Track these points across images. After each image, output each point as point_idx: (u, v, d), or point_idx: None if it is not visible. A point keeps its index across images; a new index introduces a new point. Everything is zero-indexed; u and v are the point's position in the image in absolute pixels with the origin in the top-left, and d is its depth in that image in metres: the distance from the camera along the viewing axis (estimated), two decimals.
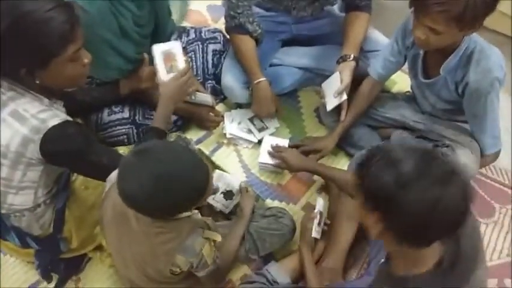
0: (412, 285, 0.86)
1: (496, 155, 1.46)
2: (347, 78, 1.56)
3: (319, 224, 1.39)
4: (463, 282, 0.89)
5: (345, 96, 1.57)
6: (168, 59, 1.43)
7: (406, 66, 1.54)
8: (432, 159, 0.79)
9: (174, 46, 1.44)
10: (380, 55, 1.54)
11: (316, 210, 1.40)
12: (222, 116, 1.78)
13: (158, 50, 1.43)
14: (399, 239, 0.83)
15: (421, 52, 1.40)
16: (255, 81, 1.64)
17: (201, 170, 1.00)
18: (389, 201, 0.78)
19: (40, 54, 1.06)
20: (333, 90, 1.58)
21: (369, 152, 0.85)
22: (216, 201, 1.49)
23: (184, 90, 1.44)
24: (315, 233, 1.37)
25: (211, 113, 1.74)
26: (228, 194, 1.50)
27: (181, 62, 1.42)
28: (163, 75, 1.40)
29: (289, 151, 1.59)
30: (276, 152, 1.60)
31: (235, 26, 1.66)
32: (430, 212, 0.76)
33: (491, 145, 1.42)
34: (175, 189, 0.95)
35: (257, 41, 1.71)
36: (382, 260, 0.98)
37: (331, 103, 1.60)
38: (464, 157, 1.39)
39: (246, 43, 1.67)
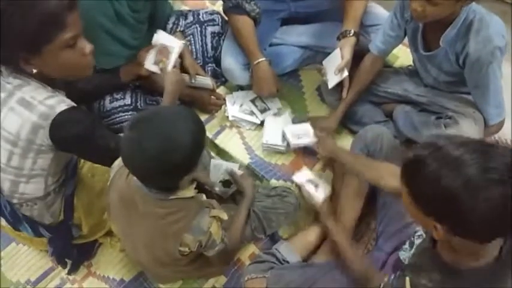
0: (468, 277, 0.82)
1: (501, 124, 1.45)
2: (347, 54, 1.55)
3: (316, 188, 1.41)
4: None
5: (345, 73, 1.55)
6: (162, 54, 1.45)
7: (407, 40, 1.52)
8: (489, 153, 0.73)
9: (175, 46, 1.46)
10: (380, 30, 1.52)
11: (311, 192, 1.40)
12: (224, 99, 1.77)
13: (159, 39, 1.45)
14: (460, 236, 0.78)
15: (421, 25, 1.38)
16: (255, 62, 1.63)
17: (197, 124, 1.01)
18: (455, 208, 0.73)
19: (30, 40, 1.04)
20: (334, 67, 1.57)
21: (414, 153, 0.79)
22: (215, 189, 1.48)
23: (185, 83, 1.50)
24: (320, 198, 1.38)
25: (212, 97, 1.74)
26: (226, 183, 1.49)
27: (171, 63, 1.44)
28: (148, 63, 1.45)
29: (326, 136, 1.55)
30: (319, 130, 1.56)
31: (232, 7, 1.65)
32: (500, 211, 0.72)
33: (494, 115, 1.41)
34: (174, 150, 0.95)
35: (255, 21, 1.69)
36: (419, 234, 0.94)
37: (332, 80, 1.58)
38: (468, 128, 1.38)
39: (244, 23, 1.66)
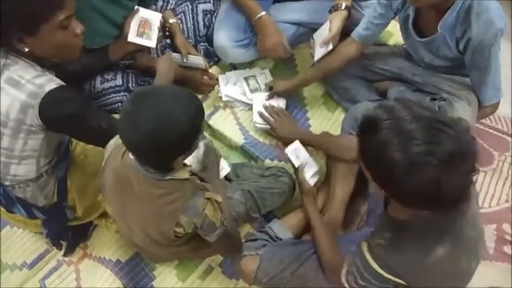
0: (413, 228, 0.88)
1: (496, 105, 1.45)
2: (335, 28, 1.53)
3: (309, 170, 1.41)
4: (461, 217, 0.91)
5: (331, 46, 1.53)
6: (143, 26, 1.50)
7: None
8: (440, 135, 0.76)
9: (155, 18, 1.53)
10: (364, 18, 1.49)
11: (297, 165, 1.41)
12: (217, 79, 1.75)
13: (139, 13, 1.50)
14: (398, 202, 0.85)
15: (411, 13, 1.36)
16: (255, 17, 1.60)
17: (196, 108, 1.00)
18: (391, 177, 0.77)
19: (28, 19, 1.05)
20: (321, 40, 1.55)
21: (373, 114, 0.82)
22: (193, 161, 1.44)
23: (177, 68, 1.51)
24: (311, 180, 1.40)
25: (205, 77, 1.71)
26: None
27: (154, 33, 1.51)
28: (131, 36, 1.49)
29: (280, 121, 1.59)
30: (268, 113, 1.59)
31: None
32: (431, 191, 0.76)
33: (492, 96, 1.40)
34: (171, 128, 0.94)
35: None
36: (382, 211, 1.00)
37: (318, 53, 1.57)
38: (462, 110, 1.37)
39: None
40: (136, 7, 1.51)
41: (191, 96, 1.02)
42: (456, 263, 0.92)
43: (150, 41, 1.50)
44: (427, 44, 1.39)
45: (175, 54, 1.68)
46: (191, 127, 0.97)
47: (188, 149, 1.01)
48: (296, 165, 1.41)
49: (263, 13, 1.59)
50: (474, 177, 0.79)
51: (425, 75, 1.52)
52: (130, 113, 0.95)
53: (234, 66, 1.81)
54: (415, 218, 0.88)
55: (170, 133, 0.93)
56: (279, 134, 1.59)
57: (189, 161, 1.37)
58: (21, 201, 1.30)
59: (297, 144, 1.45)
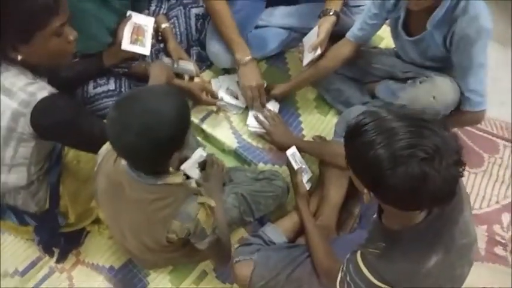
0: (406, 236, 0.89)
1: (479, 115, 1.40)
2: (323, 33, 1.54)
3: (305, 175, 1.43)
4: (453, 223, 0.91)
5: (319, 51, 1.55)
6: (137, 32, 1.49)
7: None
8: (424, 131, 0.77)
9: (148, 23, 1.52)
10: (359, 18, 1.51)
11: (296, 167, 1.42)
12: (209, 82, 1.75)
13: (133, 19, 1.48)
14: (382, 202, 0.85)
15: (402, 14, 1.38)
16: (245, 60, 1.59)
17: (180, 99, 1.00)
18: (378, 177, 0.78)
19: (23, 28, 1.04)
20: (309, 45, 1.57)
21: (357, 120, 0.83)
22: (193, 171, 1.43)
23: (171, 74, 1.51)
24: (307, 185, 1.41)
25: (204, 93, 1.66)
26: (204, 165, 1.45)
27: (148, 40, 1.50)
28: (125, 43, 1.47)
29: (275, 125, 1.61)
30: (264, 117, 1.60)
31: None
32: (417, 187, 0.76)
33: (474, 102, 1.36)
34: (160, 124, 0.94)
35: None
36: (375, 216, 1.00)
37: (306, 58, 1.59)
38: (442, 82, 1.36)
39: (225, 9, 1.62)
40: (129, 13, 1.51)
41: (173, 91, 1.02)
42: (449, 270, 0.92)
43: (144, 48, 1.49)
44: (416, 43, 1.40)
45: (166, 59, 1.67)
46: (180, 121, 0.97)
47: (181, 144, 1.01)
48: (295, 168, 1.42)
49: (250, 57, 1.60)
50: (462, 172, 0.79)
51: (416, 70, 1.52)
52: (117, 119, 0.94)
53: (226, 70, 1.81)
54: (408, 228, 0.88)
55: (161, 130, 0.93)
56: (273, 139, 1.61)
57: (192, 171, 1.39)
58: (12, 208, 1.29)
59: (294, 148, 1.46)
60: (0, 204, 1.28)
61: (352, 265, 0.94)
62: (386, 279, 0.88)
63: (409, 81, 1.48)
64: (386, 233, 0.92)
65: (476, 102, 1.37)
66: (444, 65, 1.43)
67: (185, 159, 1.40)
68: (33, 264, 1.47)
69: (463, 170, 0.79)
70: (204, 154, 1.45)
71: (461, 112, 1.39)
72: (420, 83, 1.40)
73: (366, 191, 0.85)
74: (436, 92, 1.34)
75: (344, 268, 0.97)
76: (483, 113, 1.40)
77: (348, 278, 0.95)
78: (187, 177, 1.13)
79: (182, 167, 1.38)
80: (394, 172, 0.76)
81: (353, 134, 0.83)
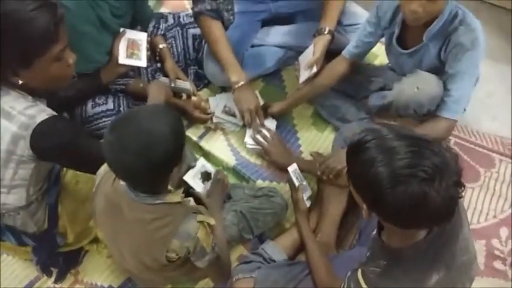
0: (408, 254, 0.89)
1: (451, 124, 1.38)
2: (318, 51, 1.57)
3: (305, 192, 1.43)
4: (453, 241, 0.92)
5: (315, 69, 1.58)
6: (131, 47, 1.52)
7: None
8: (424, 151, 0.78)
9: (142, 38, 1.55)
10: (354, 37, 1.54)
11: (297, 184, 1.43)
12: (207, 100, 1.77)
13: (126, 35, 1.52)
14: (388, 223, 0.86)
15: (396, 29, 1.41)
16: (239, 84, 1.62)
17: (173, 116, 1.02)
18: (378, 194, 0.79)
19: (24, 54, 1.06)
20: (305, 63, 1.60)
21: (359, 137, 0.84)
22: (195, 182, 1.44)
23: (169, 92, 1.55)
24: (307, 202, 1.42)
25: (197, 110, 1.70)
26: (206, 176, 1.47)
27: (143, 53, 1.53)
28: (121, 58, 1.50)
29: (273, 144, 1.62)
30: (262, 137, 1.63)
31: (210, 10, 1.63)
32: (416, 207, 0.77)
33: (450, 108, 1.35)
34: (157, 142, 0.95)
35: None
36: (374, 232, 1.00)
37: (303, 76, 1.62)
38: (427, 75, 1.35)
39: (221, 32, 1.65)
40: (122, 29, 1.53)
41: (166, 109, 1.04)
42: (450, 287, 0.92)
43: (140, 61, 1.53)
44: (411, 55, 1.42)
45: (163, 79, 1.70)
46: (175, 137, 0.98)
47: (178, 161, 1.02)
48: (297, 185, 1.42)
49: (243, 81, 1.62)
50: (462, 193, 0.80)
51: None
52: (113, 141, 0.95)
53: (224, 88, 1.83)
54: (409, 246, 0.89)
55: (158, 148, 0.94)
56: (272, 158, 1.62)
57: (195, 183, 1.40)
58: (11, 228, 1.29)
59: (295, 165, 1.47)
60: None
61: (354, 283, 0.93)
62: None
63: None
64: (387, 250, 0.92)
65: (452, 109, 1.35)
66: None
67: (187, 169, 1.41)
68: (31, 284, 1.47)
69: (463, 191, 0.80)
70: (207, 164, 1.47)
71: (435, 117, 1.38)
72: (406, 78, 1.41)
73: (365, 207, 0.85)
74: (419, 83, 1.34)
75: (345, 286, 0.97)
76: (454, 123, 1.39)
77: None
78: (188, 191, 1.13)
79: (185, 177, 1.39)
80: (394, 191, 0.76)
81: (354, 151, 0.84)
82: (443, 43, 1.33)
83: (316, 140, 1.76)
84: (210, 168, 1.46)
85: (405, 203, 0.77)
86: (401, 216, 0.80)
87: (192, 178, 1.41)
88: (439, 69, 1.39)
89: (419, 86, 1.34)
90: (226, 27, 1.69)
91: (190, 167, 1.42)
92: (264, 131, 1.66)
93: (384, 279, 0.90)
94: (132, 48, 1.52)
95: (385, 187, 0.77)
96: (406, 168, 0.76)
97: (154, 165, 0.96)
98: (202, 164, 1.44)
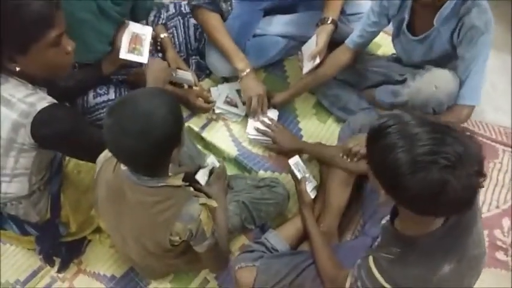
0: (422, 244, 0.88)
1: (466, 111, 1.38)
2: (321, 41, 1.56)
3: (309, 183, 1.43)
4: (468, 235, 0.91)
5: (317, 60, 1.57)
6: (135, 41, 1.49)
7: (388, 28, 1.53)
8: (446, 138, 0.77)
9: (146, 33, 1.52)
10: (358, 26, 1.53)
11: (300, 176, 1.42)
12: (209, 90, 1.76)
13: (130, 28, 1.50)
14: (398, 204, 0.85)
15: (406, 16, 1.39)
16: (244, 72, 1.62)
17: (169, 97, 1.02)
18: (397, 180, 0.78)
19: (19, 40, 1.05)
20: (308, 54, 1.58)
21: (380, 121, 0.84)
22: (203, 178, 1.45)
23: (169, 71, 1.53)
24: (311, 193, 1.41)
25: (200, 98, 1.70)
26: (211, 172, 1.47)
27: (145, 49, 1.50)
28: (122, 52, 1.48)
29: (279, 131, 1.62)
30: (265, 127, 1.61)
31: (208, 2, 1.62)
32: (435, 194, 0.76)
33: (466, 95, 1.35)
34: (155, 123, 0.95)
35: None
36: (386, 219, 0.99)
37: (306, 67, 1.61)
38: (441, 73, 1.36)
39: (220, 22, 1.64)
40: (126, 21, 1.52)
41: (162, 91, 1.05)
42: (459, 280, 0.92)
43: (142, 57, 1.50)
44: (421, 41, 1.41)
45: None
46: (173, 118, 0.99)
47: (178, 141, 1.02)
48: (299, 177, 1.42)
49: (249, 69, 1.62)
50: (482, 183, 0.78)
51: (413, 72, 1.50)
52: (112, 125, 0.96)
53: (225, 79, 1.82)
54: (424, 234, 0.88)
55: (156, 129, 0.95)
56: (280, 145, 1.60)
57: (200, 177, 1.40)
58: (13, 218, 1.29)
59: (297, 158, 1.46)
60: (2, 214, 1.28)
61: (364, 270, 0.93)
62: (398, 284, 0.88)
63: (409, 75, 1.48)
64: (401, 238, 0.92)
65: (466, 96, 1.36)
66: (444, 66, 1.42)
67: (198, 168, 1.42)
68: (34, 274, 1.47)
69: (484, 180, 0.79)
70: (215, 161, 1.47)
71: (454, 106, 1.38)
72: (420, 76, 1.40)
73: (383, 192, 0.85)
74: (437, 81, 1.34)
75: (355, 273, 0.96)
76: (469, 110, 1.39)
77: (359, 283, 0.95)
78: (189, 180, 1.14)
79: (196, 176, 1.40)
80: (414, 177, 0.76)
81: (375, 136, 0.83)
82: (456, 26, 1.31)
83: (318, 131, 1.75)
84: (217, 164, 1.47)
85: (424, 189, 0.76)
86: (420, 203, 0.79)
87: (203, 177, 1.42)
88: (449, 54, 1.38)
89: (438, 84, 1.33)
90: (224, 19, 1.67)
91: (200, 167, 1.43)
92: (267, 120, 1.65)
93: (396, 266, 0.90)
94: (135, 43, 1.50)
95: (404, 173, 0.76)
96: (427, 155, 0.75)
97: (154, 146, 0.96)
98: (212, 161, 1.45)
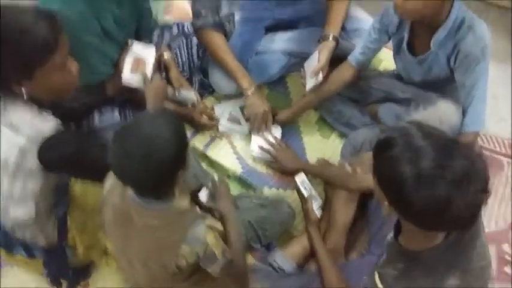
0: (426, 258, 0.88)
1: (472, 137, 1.39)
2: (323, 58, 1.57)
3: (315, 202, 1.43)
4: (471, 247, 0.91)
5: (321, 76, 1.58)
6: (138, 63, 1.49)
7: (390, 43, 1.54)
8: (451, 152, 0.77)
9: (149, 54, 1.51)
10: (360, 43, 1.55)
11: (306, 195, 1.42)
12: (212, 108, 1.77)
13: (134, 49, 1.50)
14: (402, 217, 0.86)
15: (406, 34, 1.40)
16: (249, 92, 1.64)
17: (174, 119, 1.03)
18: (401, 193, 0.78)
19: (25, 65, 1.07)
20: (311, 70, 1.60)
21: (387, 134, 0.84)
22: (206, 197, 1.43)
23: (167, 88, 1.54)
24: (317, 212, 1.41)
25: (204, 115, 1.71)
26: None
27: (149, 70, 1.49)
28: (125, 74, 1.48)
29: (282, 150, 1.62)
30: (269, 144, 1.63)
31: (214, 24, 1.64)
32: (440, 209, 0.76)
33: (472, 123, 1.37)
34: (159, 147, 0.96)
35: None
36: (390, 236, 0.99)
37: (309, 83, 1.62)
38: (445, 107, 1.36)
39: (225, 44, 1.66)
40: (130, 41, 1.52)
41: (165, 113, 1.06)
42: None
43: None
44: (420, 62, 1.42)
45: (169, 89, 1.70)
46: (178, 140, 0.99)
47: (183, 163, 1.03)
48: (306, 195, 1.42)
49: (252, 89, 1.64)
50: (487, 200, 0.78)
51: (414, 91, 1.54)
52: (117, 150, 0.97)
53: (229, 96, 1.83)
54: (427, 249, 0.88)
55: (162, 153, 0.95)
56: (282, 165, 1.61)
57: (202, 196, 1.39)
58: (21, 242, 1.30)
59: (303, 175, 1.47)
60: (10, 239, 1.28)
61: (371, 287, 0.93)
62: None
63: (412, 103, 1.49)
64: (405, 253, 0.92)
65: (476, 123, 1.37)
66: (444, 86, 1.44)
67: (200, 188, 1.41)
68: None
69: (488, 198, 0.79)
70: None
71: (460, 134, 1.38)
72: (424, 108, 1.40)
73: (386, 204, 0.85)
74: (441, 116, 1.34)
75: None
76: (474, 136, 1.40)
77: None
78: (197, 203, 1.14)
79: (199, 194, 1.39)
80: (418, 192, 0.76)
81: (381, 148, 0.83)
82: (452, 51, 1.32)
83: (321, 147, 1.76)
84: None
85: (429, 205, 0.76)
86: (424, 218, 0.79)
87: (205, 196, 1.40)
88: (448, 77, 1.39)
89: (441, 119, 1.33)
90: (228, 39, 1.70)
91: (203, 185, 1.43)
92: (271, 138, 1.66)
93: (401, 281, 0.89)
94: (138, 66, 1.49)
95: (409, 187, 0.76)
96: (433, 169, 0.75)
97: (159, 170, 0.97)
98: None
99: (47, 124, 1.12)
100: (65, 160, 1.14)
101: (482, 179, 0.77)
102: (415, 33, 1.39)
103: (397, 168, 0.78)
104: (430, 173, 0.75)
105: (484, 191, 0.77)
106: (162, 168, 0.97)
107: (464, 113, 1.37)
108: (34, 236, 1.29)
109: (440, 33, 1.30)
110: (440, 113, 1.35)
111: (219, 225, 1.11)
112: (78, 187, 1.39)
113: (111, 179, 1.17)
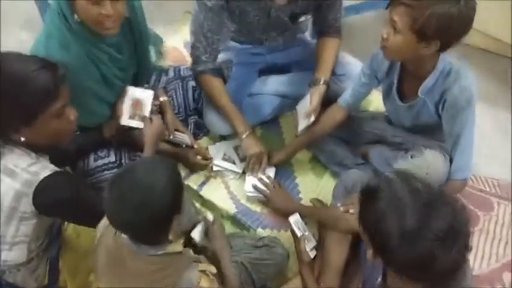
0: None
1: (460, 184, 1.43)
2: (315, 101, 1.63)
3: (309, 242, 1.43)
4: (457, 284, 0.91)
5: (312, 118, 1.63)
6: (136, 107, 1.53)
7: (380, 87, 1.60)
8: (435, 209, 0.79)
9: (146, 98, 1.55)
10: (350, 86, 1.61)
11: (300, 235, 1.42)
12: (207, 148, 1.80)
13: (131, 93, 1.53)
14: (391, 271, 0.87)
15: (395, 80, 1.45)
16: (244, 135, 1.68)
17: (170, 166, 1.04)
18: (385, 247, 0.80)
19: (25, 113, 1.09)
20: (303, 112, 1.64)
21: (373, 184, 0.86)
22: (199, 235, 1.46)
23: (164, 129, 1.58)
24: (311, 253, 1.41)
25: (198, 156, 1.75)
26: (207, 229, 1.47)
27: (146, 114, 1.53)
28: (124, 119, 1.51)
29: (275, 192, 1.65)
30: (262, 185, 1.65)
31: (214, 69, 1.71)
32: (423, 265, 0.78)
33: (459, 171, 1.40)
34: (155, 195, 0.96)
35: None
36: (379, 280, 1.01)
37: (301, 125, 1.66)
38: (432, 157, 1.39)
39: (224, 89, 1.72)
40: (127, 88, 1.55)
41: (162, 159, 1.07)
42: None
43: (143, 122, 1.53)
44: (409, 109, 1.46)
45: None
46: (173, 187, 1.00)
47: (178, 209, 1.03)
48: (299, 235, 1.42)
49: (248, 132, 1.69)
50: (468, 255, 0.81)
51: (405, 135, 1.59)
52: (113, 197, 0.98)
53: (223, 137, 1.87)
54: None
55: (157, 200, 0.96)
56: (274, 205, 1.63)
57: (195, 235, 1.39)
58: (11, 285, 1.28)
59: (297, 215, 1.47)
60: (1, 284, 1.27)
61: None
62: None
63: (400, 152, 1.53)
64: None
65: (464, 170, 1.40)
66: (434, 131, 1.47)
67: (193, 226, 1.41)
68: None
69: (469, 253, 0.81)
70: (211, 217, 1.46)
71: (447, 181, 1.41)
72: (411, 157, 1.43)
73: (371, 251, 0.86)
74: (428, 168, 1.37)
75: None
76: (462, 183, 1.43)
77: None
78: (189, 240, 1.14)
79: (192, 234, 1.38)
80: (402, 248, 0.78)
81: (367, 198, 0.85)
82: (440, 99, 1.36)
83: (315, 186, 1.77)
84: (211, 217, 1.45)
85: (412, 260, 0.78)
86: (406, 270, 0.81)
87: (199, 235, 1.40)
88: (438, 122, 1.42)
89: (428, 171, 1.36)
90: (225, 82, 1.76)
91: (196, 223, 1.43)
92: (265, 179, 1.68)
93: None
94: (136, 109, 1.53)
95: (393, 243, 0.79)
96: (417, 228, 0.77)
97: (154, 218, 0.98)
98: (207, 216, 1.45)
99: (42, 168, 1.13)
100: (59, 204, 1.15)
101: (465, 234, 0.80)
102: (404, 80, 1.44)
103: (381, 223, 0.80)
104: (414, 231, 0.78)
105: (466, 249, 0.80)
106: (157, 216, 0.98)
107: (451, 160, 1.40)
108: (24, 280, 1.28)
109: (428, 82, 1.34)
110: (427, 164, 1.37)
111: (212, 269, 1.11)
112: (71, 229, 1.40)
113: (105, 221, 1.18)
